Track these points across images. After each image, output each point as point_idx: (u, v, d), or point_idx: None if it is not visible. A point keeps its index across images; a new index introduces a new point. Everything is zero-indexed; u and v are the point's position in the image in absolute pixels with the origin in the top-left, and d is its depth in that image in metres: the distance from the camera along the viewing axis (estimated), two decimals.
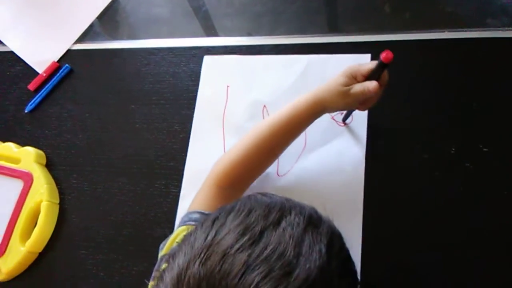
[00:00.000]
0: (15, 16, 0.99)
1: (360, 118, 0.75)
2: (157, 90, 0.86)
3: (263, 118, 0.80)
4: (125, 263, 0.77)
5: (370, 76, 0.61)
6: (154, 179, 0.80)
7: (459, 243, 0.66)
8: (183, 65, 0.87)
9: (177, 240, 0.60)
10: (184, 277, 0.36)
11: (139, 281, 0.57)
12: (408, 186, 0.70)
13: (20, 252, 0.79)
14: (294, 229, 0.38)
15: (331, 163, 0.74)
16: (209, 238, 0.38)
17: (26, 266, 0.81)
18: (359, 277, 0.64)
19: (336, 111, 0.66)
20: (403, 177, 0.71)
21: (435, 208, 0.69)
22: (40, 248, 0.81)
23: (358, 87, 0.61)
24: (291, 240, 0.37)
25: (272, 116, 0.66)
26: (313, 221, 0.40)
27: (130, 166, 0.83)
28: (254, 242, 0.36)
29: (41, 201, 0.81)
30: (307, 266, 0.36)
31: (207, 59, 0.86)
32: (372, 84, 0.60)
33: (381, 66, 0.59)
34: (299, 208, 0.41)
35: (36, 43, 0.96)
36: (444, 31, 0.77)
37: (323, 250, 0.37)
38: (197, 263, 0.36)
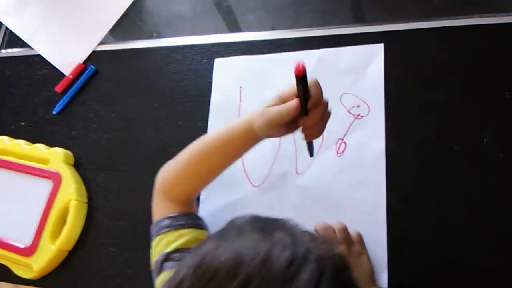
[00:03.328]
0: (41, 21, 1.02)
1: (377, 109, 0.73)
2: (180, 88, 0.87)
3: None
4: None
5: (299, 96, 0.51)
6: None
7: (492, 237, 0.64)
8: (205, 62, 0.86)
9: (158, 251, 0.61)
10: None
11: None
12: (437, 179, 0.68)
13: (50, 251, 0.80)
14: None
15: (350, 157, 0.72)
16: None
17: (57, 264, 0.82)
18: (386, 281, 0.64)
19: (268, 136, 0.57)
20: (432, 170, 0.69)
21: (466, 202, 0.66)
22: (70, 246, 0.82)
23: (273, 108, 0.53)
24: None
25: (211, 133, 0.63)
26: (293, 268, 0.34)
27: (155, 164, 0.82)
28: None
29: (69, 200, 0.82)
30: None
31: (218, 62, 0.85)
32: (287, 105, 0.52)
33: (299, 81, 0.50)
34: (276, 252, 0.35)
35: (62, 46, 0.98)
36: (473, 17, 0.73)
37: None
38: None
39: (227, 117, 0.81)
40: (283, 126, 0.54)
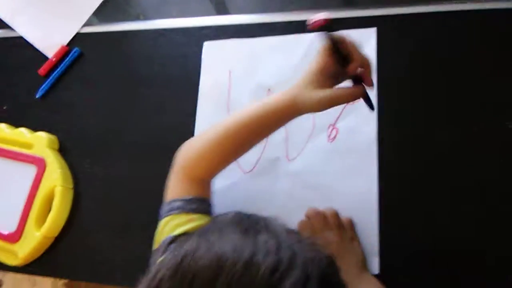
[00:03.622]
0: (23, 0, 0.98)
1: (369, 94, 0.71)
2: (168, 72, 0.85)
3: None
4: (140, 248, 0.76)
5: (337, 58, 0.52)
6: (166, 164, 0.78)
7: (486, 222, 0.64)
8: (194, 45, 0.84)
9: (166, 232, 0.59)
10: None
11: None
12: (429, 165, 0.68)
13: (35, 237, 0.79)
14: None
15: (341, 144, 0.72)
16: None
17: (42, 251, 0.81)
18: (377, 266, 0.64)
19: (317, 112, 0.57)
20: (425, 156, 0.69)
21: (460, 189, 0.66)
22: (55, 233, 0.81)
23: (327, 95, 0.54)
24: None
25: (246, 109, 0.61)
26: (277, 274, 0.33)
27: (142, 150, 0.82)
28: None
29: (55, 186, 0.80)
30: None
31: (207, 45, 0.83)
32: (341, 91, 0.54)
33: (326, 37, 0.50)
34: (258, 259, 0.34)
35: (45, 27, 0.95)
36: (466, 2, 0.73)
37: None
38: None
39: (216, 101, 0.80)
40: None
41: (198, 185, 0.64)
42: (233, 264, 0.33)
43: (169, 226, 0.60)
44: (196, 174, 0.64)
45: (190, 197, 0.62)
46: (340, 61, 0.52)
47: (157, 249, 0.60)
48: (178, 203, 0.61)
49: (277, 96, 0.58)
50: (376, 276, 0.64)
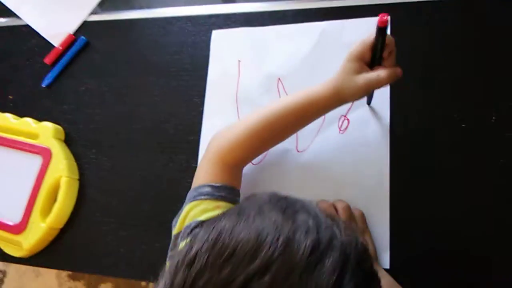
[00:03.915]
0: None
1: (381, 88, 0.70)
2: (175, 61, 0.83)
3: (278, 92, 0.75)
4: (146, 239, 0.75)
5: (375, 48, 0.56)
6: (174, 154, 0.78)
7: (498, 218, 0.62)
8: (203, 34, 0.82)
9: (191, 217, 0.58)
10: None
11: (160, 257, 0.55)
12: (442, 159, 0.66)
13: (41, 229, 0.78)
14: (287, 278, 0.32)
15: (352, 136, 0.70)
16: (187, 284, 0.34)
17: (48, 242, 0.80)
18: (388, 261, 0.62)
19: (357, 99, 0.61)
20: (438, 148, 0.66)
21: (472, 183, 0.64)
22: (61, 224, 0.79)
23: (372, 77, 0.56)
24: None
25: (286, 98, 0.62)
26: (318, 253, 0.33)
27: (150, 140, 0.80)
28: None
29: (60, 177, 0.79)
30: None
31: (216, 34, 0.81)
32: (384, 72, 0.56)
33: (380, 33, 0.54)
34: (299, 236, 0.34)
35: (51, 15, 0.93)
36: None
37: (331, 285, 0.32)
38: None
39: (225, 91, 0.78)
40: None
41: (230, 172, 0.63)
42: (273, 241, 0.33)
43: (195, 211, 0.58)
44: (230, 160, 0.63)
45: (220, 184, 0.61)
46: (379, 51, 0.56)
47: (179, 234, 0.58)
48: (207, 189, 0.60)
49: (318, 87, 0.60)
50: (386, 270, 0.62)
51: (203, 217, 0.57)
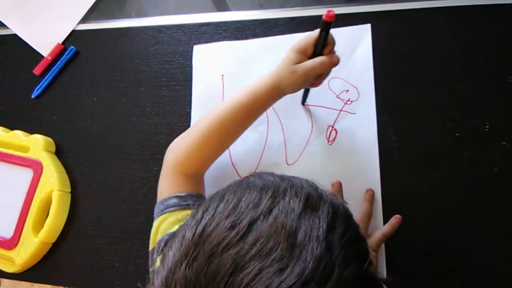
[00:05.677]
0: None
1: (367, 93, 0.70)
2: (166, 70, 0.82)
3: None
4: (140, 253, 0.74)
5: (317, 43, 0.57)
6: None
7: (489, 221, 0.62)
8: (194, 43, 0.81)
9: (162, 230, 0.58)
10: (171, 281, 0.33)
11: None
12: (435, 167, 0.66)
13: (33, 243, 0.77)
14: (288, 216, 0.34)
15: (341, 146, 0.70)
16: (197, 234, 0.34)
17: (40, 257, 0.79)
18: (384, 268, 0.62)
19: (294, 91, 0.62)
20: (428, 157, 0.66)
21: (466, 191, 0.64)
22: (53, 239, 0.79)
23: (309, 64, 0.58)
24: (283, 230, 0.33)
25: (232, 98, 0.63)
26: (311, 203, 0.36)
27: (142, 151, 0.79)
28: (243, 237, 0.33)
29: (52, 191, 0.78)
30: (302, 259, 0.31)
31: (197, 49, 0.80)
32: (320, 58, 0.58)
33: (325, 27, 0.55)
34: (295, 190, 0.37)
35: (40, 25, 0.92)
36: None
37: (322, 236, 0.33)
38: (184, 265, 0.33)
39: (210, 106, 0.76)
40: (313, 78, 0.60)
41: (192, 181, 0.64)
42: (277, 187, 0.37)
43: (165, 224, 0.58)
44: (188, 170, 0.63)
45: (185, 193, 0.61)
46: (321, 46, 0.57)
47: (154, 249, 0.58)
48: (173, 201, 0.60)
49: (260, 81, 0.61)
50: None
51: (175, 229, 0.56)
